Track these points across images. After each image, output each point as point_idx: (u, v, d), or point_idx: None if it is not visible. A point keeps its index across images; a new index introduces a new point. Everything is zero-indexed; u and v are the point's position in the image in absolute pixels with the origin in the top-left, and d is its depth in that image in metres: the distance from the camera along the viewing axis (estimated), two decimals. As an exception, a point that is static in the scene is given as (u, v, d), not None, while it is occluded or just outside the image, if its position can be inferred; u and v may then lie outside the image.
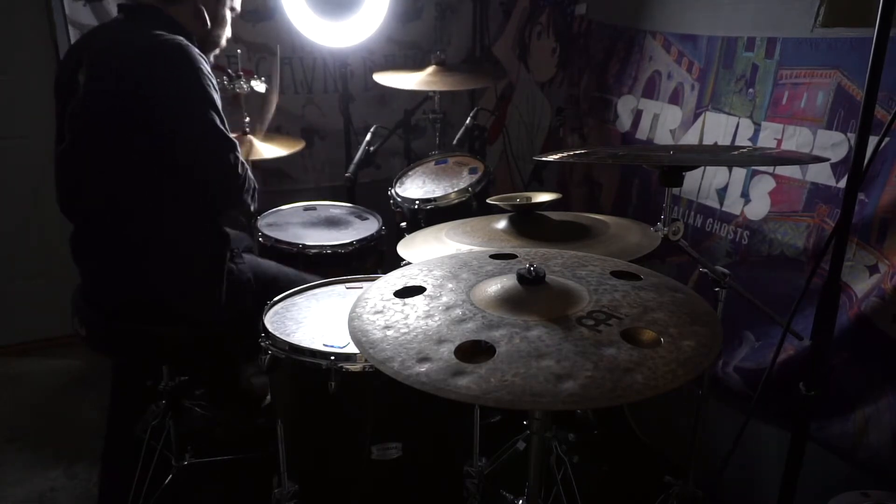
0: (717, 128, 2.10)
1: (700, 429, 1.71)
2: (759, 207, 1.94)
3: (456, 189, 2.30)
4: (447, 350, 0.90)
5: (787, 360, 1.76)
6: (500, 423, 2.12)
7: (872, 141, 1.14)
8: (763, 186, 1.93)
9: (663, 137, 2.33)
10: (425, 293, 1.10)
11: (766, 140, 1.92)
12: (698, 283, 2.09)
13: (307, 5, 2.66)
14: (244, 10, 2.96)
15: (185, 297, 1.75)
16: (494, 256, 1.26)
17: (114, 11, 2.39)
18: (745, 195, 1.99)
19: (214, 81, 1.67)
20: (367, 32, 2.82)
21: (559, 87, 3.03)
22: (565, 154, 1.62)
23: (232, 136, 1.70)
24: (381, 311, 1.05)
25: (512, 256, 1.27)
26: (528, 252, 1.30)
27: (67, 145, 1.71)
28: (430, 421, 1.55)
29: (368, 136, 2.62)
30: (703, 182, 2.14)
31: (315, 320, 1.60)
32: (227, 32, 1.90)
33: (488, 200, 1.90)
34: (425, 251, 1.60)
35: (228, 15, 1.87)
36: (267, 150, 2.58)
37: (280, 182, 3.28)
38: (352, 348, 1.42)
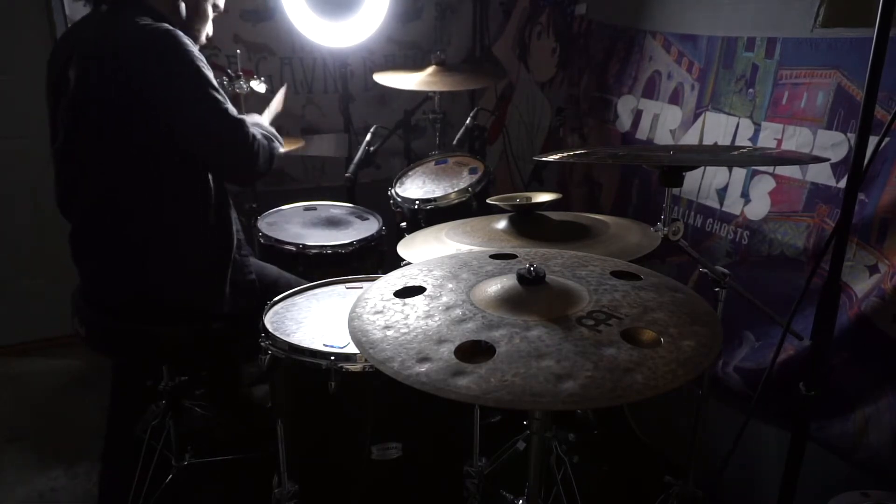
0: (717, 128, 2.10)
1: (700, 429, 1.71)
2: (759, 207, 1.94)
3: (456, 189, 2.30)
4: (447, 350, 0.90)
5: (787, 360, 1.76)
6: (500, 423, 2.12)
7: (872, 141, 1.14)
8: (763, 186, 1.93)
9: (663, 137, 2.33)
10: (425, 293, 1.10)
11: (766, 140, 1.92)
12: (698, 283, 2.09)
13: (307, 5, 2.66)
14: (244, 10, 2.98)
15: (186, 295, 1.75)
16: (494, 256, 1.26)
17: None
18: (745, 195, 1.99)
19: (206, 62, 1.64)
20: (367, 32, 2.82)
21: (559, 87, 3.03)
22: (565, 154, 1.62)
23: (235, 112, 1.67)
24: (381, 311, 1.05)
25: (512, 256, 1.27)
26: (528, 252, 1.30)
27: (62, 143, 1.70)
28: (430, 421, 1.55)
29: (368, 136, 2.62)
30: (703, 182, 2.14)
31: (315, 320, 1.60)
32: (208, 29, 1.87)
33: (488, 200, 1.91)
34: (425, 251, 1.60)
35: (210, 11, 1.84)
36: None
37: (280, 182, 3.29)
38: (352, 348, 1.42)
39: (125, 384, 2.44)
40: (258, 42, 3.04)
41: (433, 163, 2.59)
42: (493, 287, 1.07)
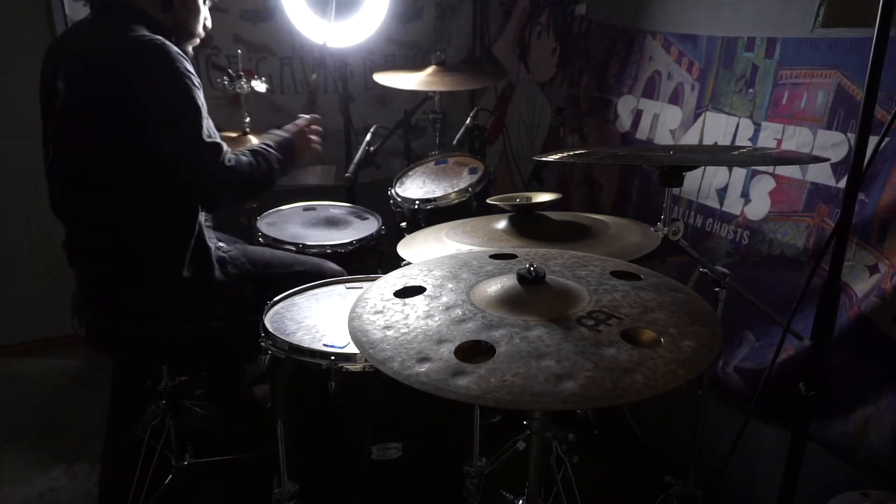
0: (717, 128, 2.10)
1: (700, 429, 1.71)
2: (759, 207, 1.94)
3: (456, 189, 2.30)
4: (447, 350, 0.90)
5: (787, 360, 1.76)
6: (500, 423, 2.12)
7: (872, 141, 1.14)
8: (763, 186, 1.93)
9: (663, 137, 2.33)
10: (425, 293, 1.10)
11: (766, 140, 1.92)
12: (698, 283, 2.09)
13: (307, 5, 2.66)
14: (244, 9, 2.98)
15: (183, 296, 1.75)
16: (494, 256, 1.26)
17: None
18: (745, 195, 1.99)
19: (197, 80, 1.63)
20: (367, 32, 2.82)
21: (559, 87, 3.03)
22: (565, 154, 1.62)
23: (218, 138, 1.65)
24: (381, 311, 1.05)
25: (512, 256, 1.27)
26: (528, 252, 1.30)
27: (53, 149, 1.70)
28: (430, 421, 1.55)
29: (368, 136, 2.62)
30: (703, 182, 2.14)
31: (315, 320, 1.60)
32: (205, 21, 1.84)
33: (488, 200, 1.91)
34: (425, 251, 1.60)
35: (201, 4, 1.81)
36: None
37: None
38: (352, 348, 1.42)
39: (125, 384, 2.44)
40: (258, 42, 3.04)
41: (433, 163, 2.59)
42: (493, 287, 1.07)
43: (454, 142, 2.72)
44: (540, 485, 1.19)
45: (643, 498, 1.89)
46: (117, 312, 1.73)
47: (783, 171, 1.87)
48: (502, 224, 1.69)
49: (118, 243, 1.70)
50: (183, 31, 1.79)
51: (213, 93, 2.90)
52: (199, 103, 1.61)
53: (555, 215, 1.74)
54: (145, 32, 1.59)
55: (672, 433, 2.13)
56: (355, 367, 1.41)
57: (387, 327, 0.99)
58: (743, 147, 1.88)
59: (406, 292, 1.11)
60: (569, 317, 0.97)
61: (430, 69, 2.71)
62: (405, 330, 0.98)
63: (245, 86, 2.50)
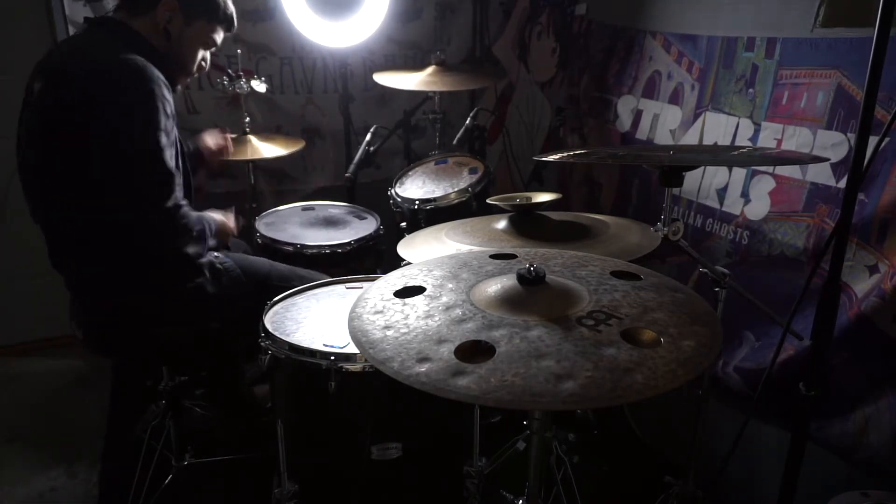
0: (717, 128, 2.10)
1: (700, 429, 1.71)
2: (759, 207, 1.94)
3: (456, 189, 2.30)
4: (447, 350, 0.90)
5: (787, 360, 1.76)
6: (500, 423, 2.12)
7: (872, 141, 1.15)
8: (763, 186, 1.93)
9: (663, 137, 2.33)
10: (425, 293, 1.10)
11: (766, 140, 1.92)
12: (698, 283, 2.09)
13: (307, 5, 2.66)
14: (244, 10, 2.98)
15: (166, 299, 1.73)
16: (494, 256, 1.26)
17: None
18: (745, 195, 1.99)
19: (170, 108, 1.59)
20: (367, 32, 2.82)
21: (559, 87, 3.03)
22: (565, 154, 1.62)
23: (173, 169, 1.60)
24: (381, 311, 1.05)
25: (512, 256, 1.27)
26: (528, 252, 1.30)
27: (22, 156, 1.68)
28: (430, 421, 1.55)
29: (368, 136, 2.62)
30: (703, 182, 2.14)
31: (315, 320, 1.60)
32: (200, 62, 1.83)
33: (488, 200, 1.91)
34: (425, 251, 1.60)
35: (200, 50, 1.80)
36: (267, 150, 2.58)
37: (280, 182, 3.29)
38: (352, 348, 1.42)
39: (125, 384, 2.44)
40: (258, 42, 3.04)
41: (433, 163, 2.59)
42: (493, 287, 1.07)
43: (454, 142, 2.72)
44: (540, 485, 1.19)
45: (643, 498, 1.89)
46: (105, 314, 1.72)
47: (783, 171, 1.87)
48: (502, 224, 1.69)
49: (90, 251, 1.67)
50: (176, 64, 1.77)
51: (213, 93, 2.91)
52: (162, 133, 1.57)
53: (555, 215, 1.74)
54: (130, 55, 1.57)
55: (672, 433, 2.13)
56: (355, 367, 1.41)
57: (387, 327, 0.99)
58: (743, 147, 1.88)
59: (406, 292, 1.11)
60: (569, 317, 0.97)
61: (430, 69, 2.71)
62: (405, 330, 0.97)
63: (244, 86, 2.50)
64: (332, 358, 1.41)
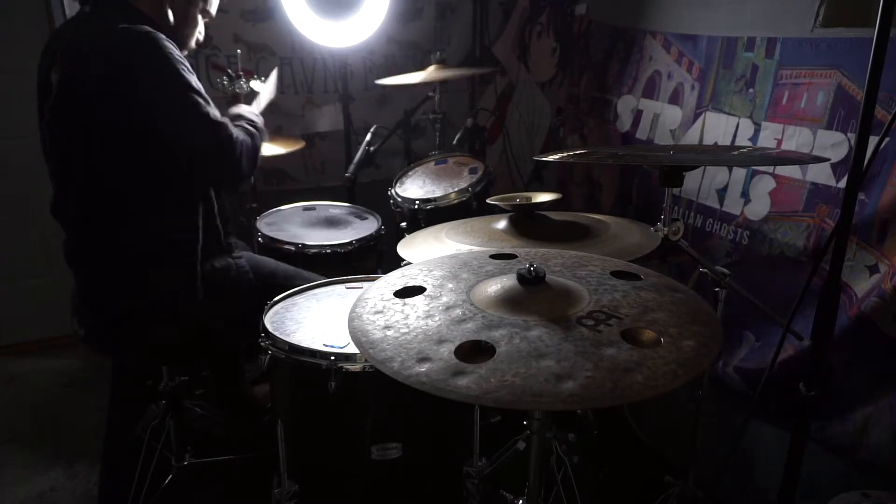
0: (717, 128, 2.10)
1: (700, 429, 1.71)
2: (759, 207, 1.94)
3: (456, 189, 2.30)
4: (447, 350, 0.90)
5: (787, 360, 1.76)
6: (500, 423, 2.11)
7: (872, 141, 1.15)
8: (763, 186, 1.93)
9: (663, 137, 2.33)
10: (425, 293, 1.10)
11: (766, 140, 1.92)
12: (698, 283, 2.09)
13: (307, 5, 2.66)
14: (244, 10, 2.98)
15: (184, 297, 1.75)
16: (494, 256, 1.26)
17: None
18: (745, 195, 1.99)
19: (187, 64, 1.62)
20: (367, 32, 2.82)
21: (559, 87, 3.03)
22: (565, 154, 1.62)
23: (217, 113, 1.65)
24: (381, 311, 1.05)
25: (512, 256, 1.27)
26: (528, 252, 1.30)
27: (49, 148, 1.69)
28: (430, 421, 1.55)
29: (368, 136, 2.62)
30: (703, 182, 2.14)
31: (315, 320, 1.60)
32: (199, 34, 1.85)
33: (488, 200, 1.90)
34: (425, 251, 1.60)
35: (199, 17, 1.82)
36: (267, 150, 2.58)
37: (280, 182, 3.29)
38: (352, 348, 1.41)
39: (125, 384, 2.44)
40: (258, 42, 3.04)
41: (433, 163, 2.59)
42: (493, 287, 1.07)
43: (454, 142, 2.72)
44: (540, 485, 1.19)
45: (643, 498, 1.89)
46: (116, 313, 1.72)
47: (783, 171, 1.87)
48: (502, 224, 1.69)
49: (115, 244, 1.69)
50: (176, 39, 1.76)
51: (213, 93, 2.88)
52: (194, 83, 1.61)
53: (555, 215, 1.74)
54: (138, 25, 1.59)
55: (672, 433, 2.13)
56: (355, 367, 1.41)
57: (387, 327, 0.99)
58: (743, 147, 1.88)
59: (406, 292, 1.11)
60: (569, 317, 0.97)
61: (430, 69, 2.71)
62: (405, 330, 0.97)
63: (244, 86, 2.49)
64: (332, 358, 1.40)
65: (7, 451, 2.41)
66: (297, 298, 1.73)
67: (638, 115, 2.47)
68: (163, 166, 1.64)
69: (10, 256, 2.99)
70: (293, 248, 2.25)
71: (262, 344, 1.51)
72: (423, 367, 0.87)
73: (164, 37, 1.60)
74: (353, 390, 1.44)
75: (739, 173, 2.01)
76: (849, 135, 1.69)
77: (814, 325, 1.27)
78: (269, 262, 2.02)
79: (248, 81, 2.51)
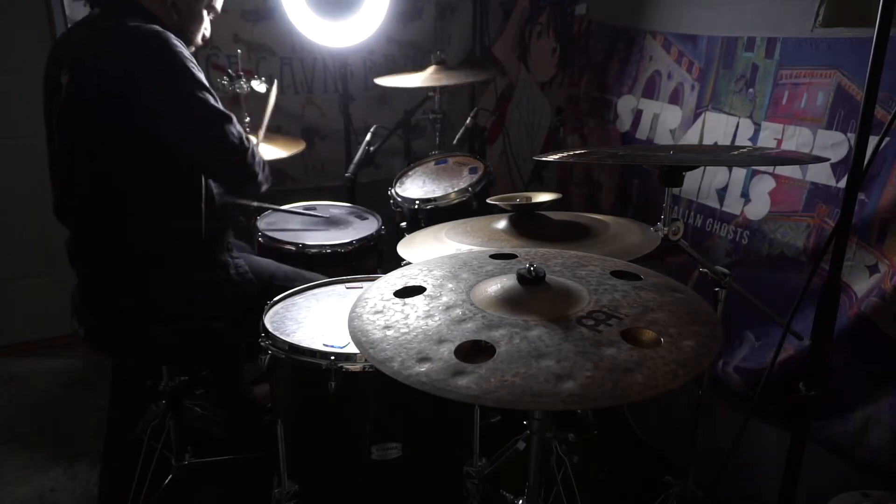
0: (717, 128, 2.10)
1: (700, 429, 1.71)
2: (759, 207, 1.94)
3: (456, 189, 2.30)
4: (447, 350, 0.90)
5: (787, 360, 1.76)
6: (500, 423, 2.11)
7: (872, 141, 1.15)
8: (763, 186, 1.93)
9: (663, 137, 2.33)
10: (425, 293, 1.10)
11: (766, 140, 1.92)
12: (698, 283, 2.09)
13: (307, 5, 2.66)
14: (244, 10, 2.98)
15: (185, 295, 1.75)
16: (494, 256, 1.26)
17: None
18: (745, 195, 1.99)
19: (196, 63, 1.63)
20: (367, 32, 2.82)
21: (559, 87, 3.03)
22: (565, 154, 1.62)
23: (227, 111, 1.65)
24: (381, 311, 1.05)
25: (512, 256, 1.27)
26: (528, 252, 1.30)
27: (57, 147, 1.70)
28: (430, 421, 1.55)
29: (368, 136, 2.62)
30: (703, 182, 2.14)
31: (315, 320, 1.60)
32: (205, 31, 1.86)
33: (488, 200, 1.90)
34: (425, 251, 1.60)
35: (205, 14, 1.83)
36: (267, 150, 2.58)
37: (280, 182, 3.28)
38: (352, 348, 1.41)
39: (125, 384, 2.44)
40: (258, 42, 3.04)
41: (433, 163, 2.59)
42: (493, 287, 1.07)
43: (454, 142, 2.72)
44: (540, 485, 1.19)
45: (643, 498, 1.89)
46: (116, 312, 1.73)
47: (783, 171, 1.87)
48: (502, 224, 1.69)
49: (117, 243, 1.70)
50: (183, 37, 1.78)
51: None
52: (204, 81, 1.61)
53: (555, 215, 1.74)
54: (146, 24, 1.60)
55: (672, 433, 2.13)
56: (355, 367, 1.41)
57: (387, 327, 0.99)
58: (743, 147, 1.88)
59: (406, 292, 1.11)
60: (569, 317, 0.97)
61: (430, 69, 2.71)
62: (405, 330, 0.97)
63: (244, 86, 2.49)
64: (332, 358, 1.40)
65: (7, 451, 2.41)
66: (297, 298, 1.73)
67: (638, 115, 2.47)
68: (167, 167, 1.65)
69: (10, 256, 2.99)
70: (293, 248, 2.25)
71: (262, 344, 1.51)
72: (423, 367, 0.87)
73: (172, 36, 1.60)
74: (353, 390, 1.44)
75: (739, 173, 2.01)
76: (849, 135, 1.69)
77: (814, 325, 1.27)
78: (270, 263, 2.02)
79: (248, 81, 2.51)
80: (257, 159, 1.75)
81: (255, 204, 2.66)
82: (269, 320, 1.58)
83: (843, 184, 1.70)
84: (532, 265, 1.05)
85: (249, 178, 1.76)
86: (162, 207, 1.69)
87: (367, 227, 2.45)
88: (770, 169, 1.91)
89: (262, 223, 2.44)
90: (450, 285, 1.11)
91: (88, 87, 1.59)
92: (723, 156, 1.62)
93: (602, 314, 0.98)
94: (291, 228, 2.42)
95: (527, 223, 1.67)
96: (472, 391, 0.82)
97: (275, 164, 3.15)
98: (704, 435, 1.72)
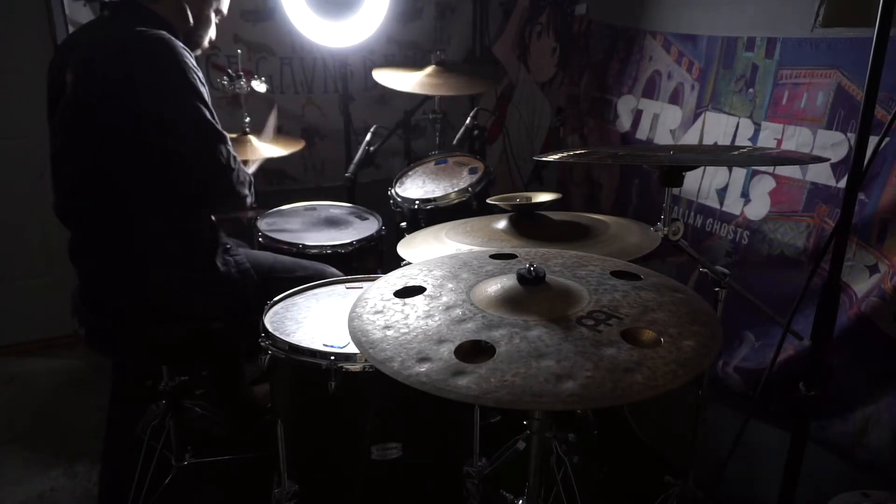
0: (717, 128, 2.10)
1: (700, 429, 1.71)
2: (759, 207, 1.94)
3: (456, 189, 2.30)
4: (447, 350, 0.90)
5: (787, 360, 1.76)
6: (500, 423, 2.11)
7: (872, 141, 1.15)
8: (763, 186, 1.93)
9: (663, 137, 2.33)
10: (425, 293, 1.10)
11: (766, 140, 1.92)
12: (698, 283, 2.09)
13: (307, 5, 2.66)
14: (244, 10, 2.98)
15: (186, 294, 1.75)
16: (494, 256, 1.26)
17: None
18: (745, 195, 1.99)
19: (200, 74, 1.64)
20: (367, 32, 2.82)
21: (559, 87, 3.03)
22: (565, 154, 1.62)
23: (220, 128, 1.66)
24: (381, 311, 1.05)
25: (512, 256, 1.27)
26: (528, 252, 1.30)
27: (60, 147, 1.70)
28: (430, 421, 1.55)
29: (368, 136, 2.62)
30: (703, 182, 2.14)
31: (315, 320, 1.60)
32: (211, 34, 1.87)
33: (488, 200, 1.90)
34: (425, 251, 1.60)
35: (213, 17, 1.84)
36: (267, 150, 2.58)
37: (280, 182, 3.29)
38: (352, 348, 1.41)
39: (125, 384, 2.44)
40: (258, 42, 3.04)
41: (433, 163, 2.59)
42: (493, 287, 1.07)
43: (454, 142, 2.72)
44: (540, 485, 1.19)
45: (643, 498, 1.89)
46: (118, 311, 1.73)
47: (783, 171, 1.87)
48: (502, 224, 1.69)
49: (121, 242, 1.70)
50: (192, 41, 1.80)
51: (214, 93, 2.88)
52: (204, 94, 1.62)
53: (555, 215, 1.74)
54: (153, 30, 1.60)
55: (672, 433, 2.12)
56: (355, 367, 1.41)
57: (387, 327, 0.99)
58: (743, 147, 1.88)
59: (406, 292, 1.11)
60: (569, 317, 0.97)
61: (430, 69, 2.71)
62: (405, 330, 0.97)
63: (244, 86, 2.49)
64: (332, 358, 1.40)
65: (7, 451, 2.41)
66: (296, 298, 1.73)
67: (638, 115, 2.47)
68: (167, 167, 1.65)
69: (10, 256, 2.99)
70: (293, 249, 2.25)
71: (262, 344, 1.51)
72: (423, 367, 0.87)
73: (178, 42, 1.61)
74: (353, 390, 1.44)
75: (739, 173, 2.01)
76: (849, 135, 1.69)
77: (814, 325, 1.27)
78: (268, 255, 2.03)
79: (248, 81, 2.51)
80: (242, 178, 1.75)
81: (251, 214, 2.66)
82: (269, 320, 1.58)
83: (843, 184, 1.70)
84: (532, 265, 1.05)
85: (231, 198, 1.76)
86: (163, 207, 1.70)
87: (367, 227, 2.45)
88: (770, 169, 1.91)
89: (263, 223, 2.44)
90: (450, 285, 1.11)
91: (92, 89, 1.60)
92: (723, 156, 1.62)
93: (602, 314, 0.98)
94: (291, 229, 2.42)
95: (527, 223, 1.67)
96: (472, 391, 0.82)
97: (275, 164, 3.19)
98: (704, 435, 1.72)
